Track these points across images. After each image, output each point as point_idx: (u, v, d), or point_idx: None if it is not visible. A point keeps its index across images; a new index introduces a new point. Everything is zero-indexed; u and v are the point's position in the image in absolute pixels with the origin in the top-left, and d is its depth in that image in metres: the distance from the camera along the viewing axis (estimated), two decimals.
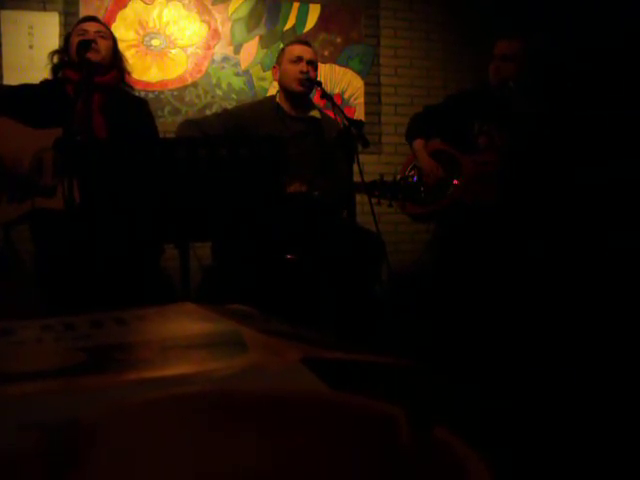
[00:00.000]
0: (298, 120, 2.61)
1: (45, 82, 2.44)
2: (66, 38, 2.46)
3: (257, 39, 3.79)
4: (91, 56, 2.25)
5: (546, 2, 3.85)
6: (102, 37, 2.38)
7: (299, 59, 2.55)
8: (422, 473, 0.26)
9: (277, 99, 2.64)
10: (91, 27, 2.39)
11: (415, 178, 2.81)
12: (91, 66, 2.20)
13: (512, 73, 2.74)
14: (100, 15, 3.39)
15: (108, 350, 0.43)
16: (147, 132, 2.49)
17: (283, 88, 2.61)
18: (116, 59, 2.45)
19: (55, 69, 2.42)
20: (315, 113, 2.66)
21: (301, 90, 2.55)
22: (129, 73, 2.53)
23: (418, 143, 2.85)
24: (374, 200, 2.33)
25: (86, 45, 2.22)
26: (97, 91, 2.31)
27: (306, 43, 2.70)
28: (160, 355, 0.41)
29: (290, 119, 2.60)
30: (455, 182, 2.76)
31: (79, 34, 2.36)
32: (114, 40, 2.47)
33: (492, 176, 2.72)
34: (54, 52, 2.46)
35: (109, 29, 2.52)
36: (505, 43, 2.78)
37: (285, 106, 2.61)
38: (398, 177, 2.81)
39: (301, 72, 2.52)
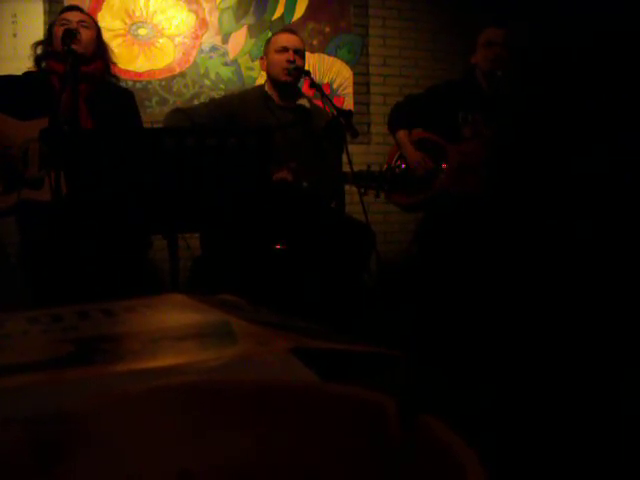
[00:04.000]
0: (287, 109, 2.60)
1: (29, 73, 2.41)
2: (49, 28, 2.42)
3: (245, 28, 3.76)
4: (74, 47, 2.20)
5: None
6: (85, 27, 2.34)
7: (285, 49, 2.53)
8: (411, 462, 0.26)
9: (265, 88, 2.63)
10: (74, 17, 2.35)
11: (402, 166, 2.80)
12: (76, 56, 2.16)
13: (500, 58, 2.75)
14: (85, 4, 3.35)
15: (96, 341, 0.43)
16: (133, 123, 2.47)
17: (271, 78, 2.60)
18: (100, 49, 2.42)
19: (39, 60, 2.39)
20: (304, 102, 2.65)
21: (288, 80, 2.54)
22: (114, 64, 2.50)
23: (401, 134, 2.84)
24: (361, 190, 2.33)
25: (71, 34, 2.18)
26: (83, 82, 2.29)
27: (292, 32, 2.68)
28: (149, 346, 0.41)
29: (278, 108, 2.59)
30: (441, 171, 2.76)
31: (62, 24, 2.32)
32: (98, 30, 2.43)
33: (477, 166, 2.72)
34: (37, 43, 2.42)
35: (92, 18, 2.48)
36: (492, 30, 2.80)
37: (273, 95, 2.60)
38: (385, 167, 2.81)
39: (288, 61, 2.51)
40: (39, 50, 2.40)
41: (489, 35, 2.79)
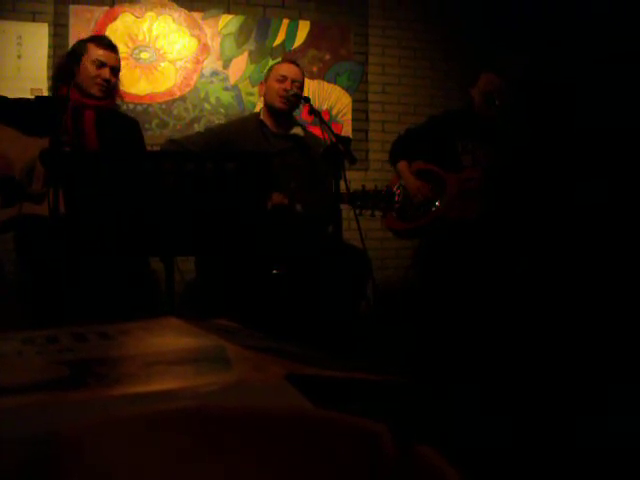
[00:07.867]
0: (282, 137, 2.63)
1: (40, 97, 2.43)
2: (75, 55, 2.38)
3: (246, 54, 3.81)
4: (96, 93, 2.31)
5: (529, 23, 3.91)
6: (115, 74, 2.38)
7: (284, 78, 2.58)
8: None
9: (261, 116, 2.66)
10: (110, 60, 2.37)
11: (402, 195, 2.83)
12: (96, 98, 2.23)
13: (494, 97, 2.81)
14: (90, 27, 3.39)
15: (91, 364, 0.43)
16: (137, 151, 2.49)
17: (267, 105, 2.64)
18: (116, 86, 2.45)
19: (55, 81, 2.41)
20: (298, 131, 2.68)
21: (283, 107, 2.58)
22: (121, 96, 2.54)
23: (402, 165, 2.89)
24: (357, 211, 2.34)
25: (107, 90, 2.29)
26: (90, 108, 2.32)
27: (293, 62, 2.73)
28: (144, 370, 0.41)
29: (274, 136, 2.62)
30: (439, 200, 2.79)
31: (97, 64, 2.33)
32: (120, 69, 2.46)
33: (475, 192, 2.75)
34: (59, 66, 2.43)
35: (119, 58, 2.47)
36: (491, 78, 2.86)
37: (269, 123, 2.63)
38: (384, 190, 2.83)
39: (285, 90, 2.55)
40: (58, 72, 2.41)
41: (486, 85, 2.85)
